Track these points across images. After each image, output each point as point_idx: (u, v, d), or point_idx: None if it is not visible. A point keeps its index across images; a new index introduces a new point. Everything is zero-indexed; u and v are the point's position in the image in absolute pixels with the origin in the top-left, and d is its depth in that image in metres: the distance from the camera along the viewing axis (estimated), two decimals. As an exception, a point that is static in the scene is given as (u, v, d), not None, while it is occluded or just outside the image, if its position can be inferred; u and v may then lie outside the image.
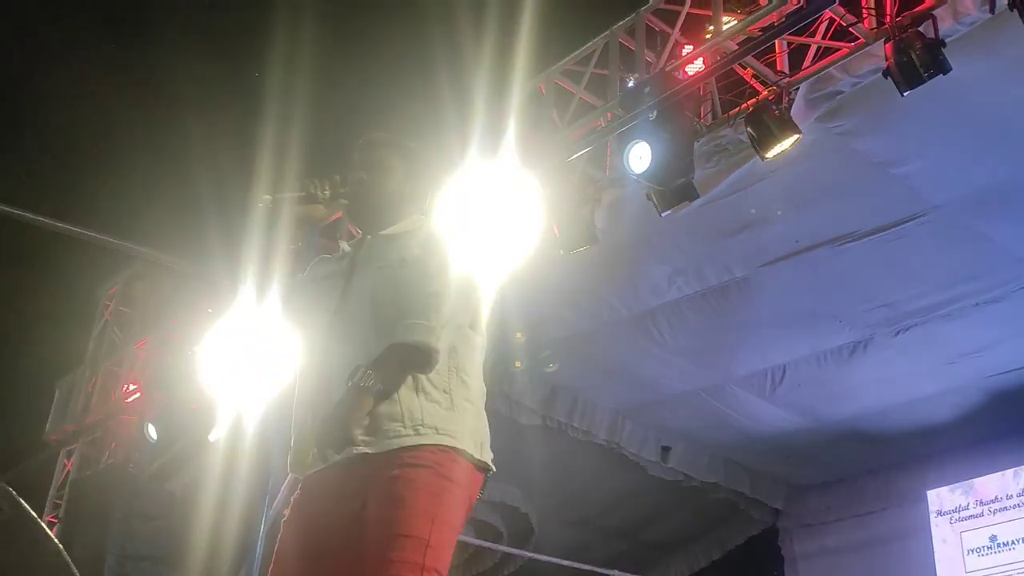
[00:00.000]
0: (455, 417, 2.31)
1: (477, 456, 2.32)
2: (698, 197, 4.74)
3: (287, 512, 2.36)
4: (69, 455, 8.44)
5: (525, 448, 7.04)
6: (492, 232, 4.87)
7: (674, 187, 4.51)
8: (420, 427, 2.26)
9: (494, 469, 2.38)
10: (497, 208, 4.58)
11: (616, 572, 7.45)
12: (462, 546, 7.64)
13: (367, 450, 2.22)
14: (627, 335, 6.56)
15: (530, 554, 7.35)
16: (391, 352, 2.24)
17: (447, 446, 2.27)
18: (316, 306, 2.47)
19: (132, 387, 8.10)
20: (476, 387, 2.39)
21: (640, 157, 4.42)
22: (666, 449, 7.77)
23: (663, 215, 4.76)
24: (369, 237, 2.52)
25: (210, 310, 6.48)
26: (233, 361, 5.72)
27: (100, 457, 8.21)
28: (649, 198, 4.64)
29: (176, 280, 7.68)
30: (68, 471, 8.31)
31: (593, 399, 7.19)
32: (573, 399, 6.99)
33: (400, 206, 2.54)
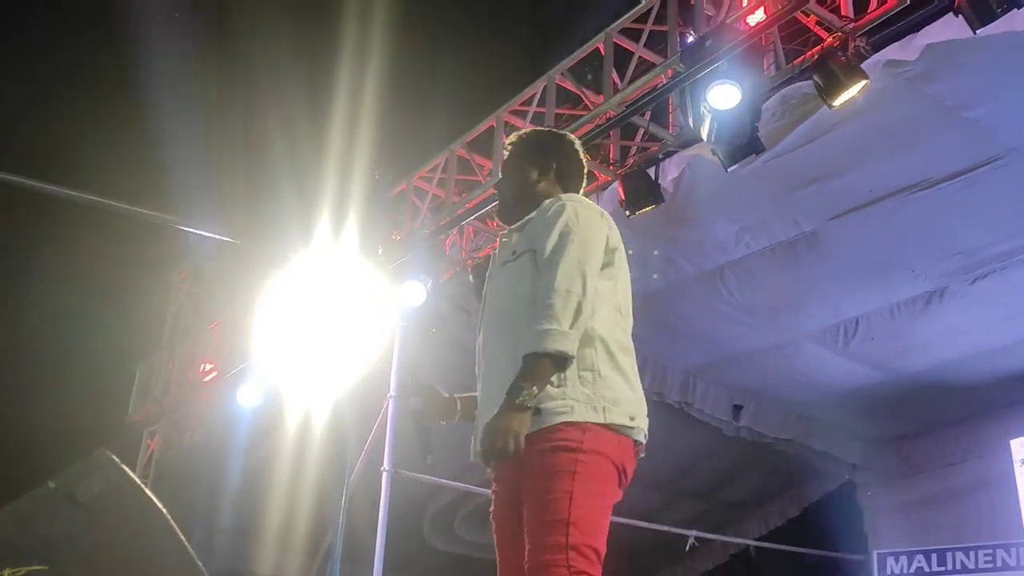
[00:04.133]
0: (564, 391, 2.36)
1: (601, 420, 2.36)
2: (764, 151, 4.67)
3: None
4: (152, 435, 8.67)
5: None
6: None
7: (740, 142, 4.44)
8: (535, 414, 2.33)
9: (633, 426, 2.41)
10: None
11: (693, 532, 7.44)
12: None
13: None
14: (696, 294, 6.51)
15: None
16: (535, 364, 2.32)
17: (564, 423, 2.33)
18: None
19: (208, 367, 8.28)
20: (589, 355, 2.42)
21: (706, 111, 4.36)
22: (738, 408, 7.72)
23: (729, 171, 4.70)
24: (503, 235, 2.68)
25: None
26: (307, 335, 5.78)
27: (182, 436, 8.42)
28: (714, 153, 4.58)
29: (246, 259, 7.81)
30: (152, 451, 8.54)
31: (663, 360, 7.16)
32: (643, 361, 6.93)
33: (524, 201, 2.65)
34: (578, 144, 2.77)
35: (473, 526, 8.27)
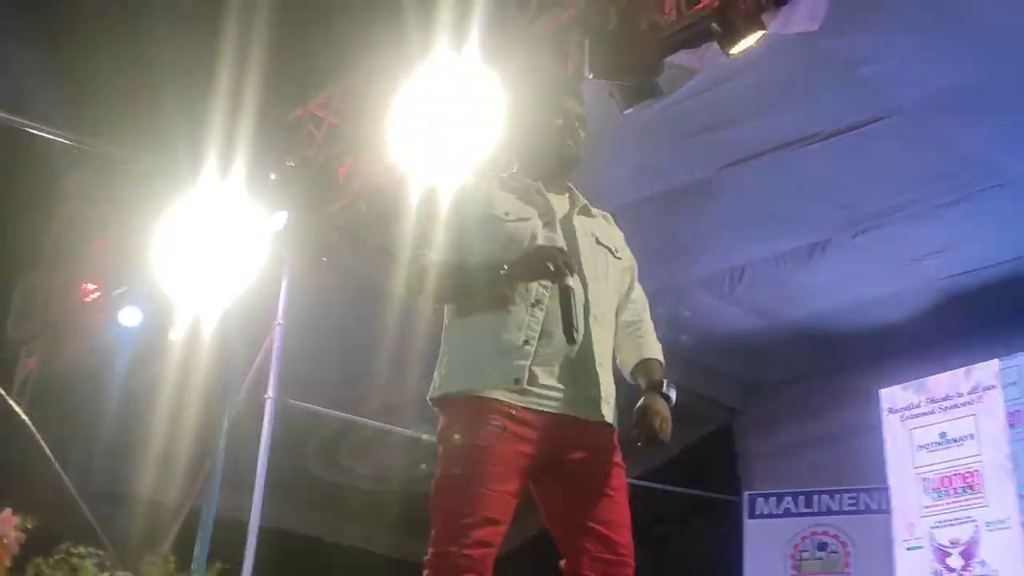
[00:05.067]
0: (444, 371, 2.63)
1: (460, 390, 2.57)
2: (663, 95, 4.70)
3: None
4: (31, 353, 8.39)
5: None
6: (454, 130, 4.85)
7: (637, 84, 4.46)
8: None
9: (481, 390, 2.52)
10: (459, 106, 4.55)
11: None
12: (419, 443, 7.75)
13: None
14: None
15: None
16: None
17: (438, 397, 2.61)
18: None
19: (92, 286, 8.03)
20: (461, 327, 2.63)
21: (599, 53, 4.36)
22: (623, 349, 7.84)
23: (624, 113, 4.71)
24: None
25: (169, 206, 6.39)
26: (192, 257, 5.68)
27: (62, 355, 8.18)
28: (611, 95, 4.59)
29: (135, 177, 7.56)
30: (30, 369, 8.28)
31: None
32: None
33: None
34: None
35: (358, 456, 8.29)
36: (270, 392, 5.76)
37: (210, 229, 5.80)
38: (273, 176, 5.80)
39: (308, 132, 5.70)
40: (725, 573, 7.38)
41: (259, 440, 5.62)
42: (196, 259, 5.90)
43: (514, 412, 2.45)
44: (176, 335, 6.18)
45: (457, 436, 2.46)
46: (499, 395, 2.45)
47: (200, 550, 5.54)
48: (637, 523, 2.60)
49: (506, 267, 2.51)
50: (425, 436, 7.65)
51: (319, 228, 5.74)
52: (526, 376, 2.46)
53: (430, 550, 2.41)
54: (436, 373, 2.61)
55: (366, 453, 8.19)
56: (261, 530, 5.50)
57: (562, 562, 2.52)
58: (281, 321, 5.87)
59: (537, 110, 2.86)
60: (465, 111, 4.91)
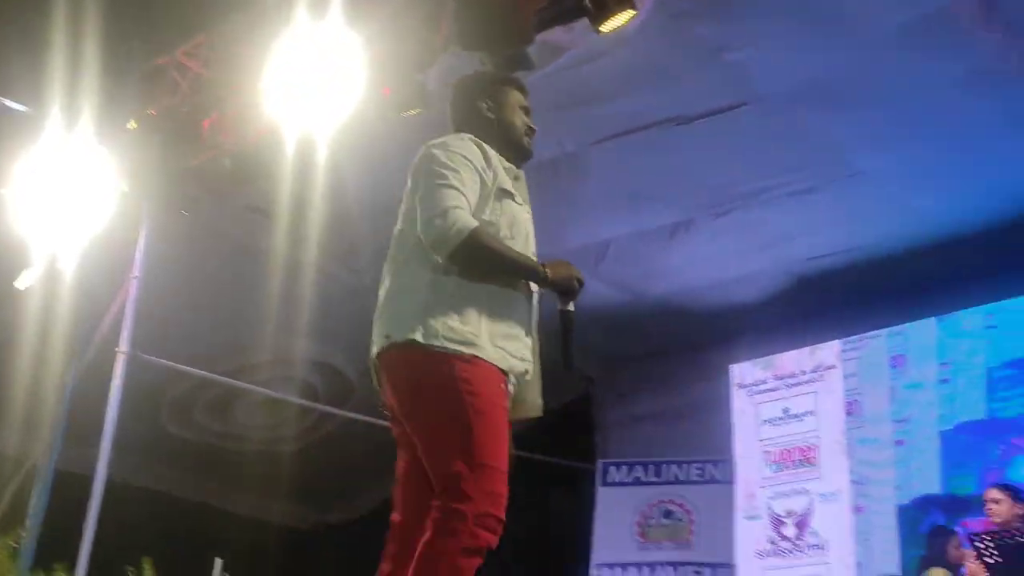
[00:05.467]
0: None
1: None
2: (533, 68, 4.73)
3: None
4: None
5: (348, 310, 7.05)
6: (316, 91, 4.79)
7: (508, 55, 4.48)
8: None
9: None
10: (322, 67, 4.51)
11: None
12: (280, 404, 7.71)
13: None
14: (457, 202, 6.57)
15: (348, 413, 7.45)
16: None
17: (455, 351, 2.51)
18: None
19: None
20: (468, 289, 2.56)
21: (470, 22, 4.37)
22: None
23: (497, 83, 4.73)
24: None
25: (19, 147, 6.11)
26: (45, 200, 5.46)
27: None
28: (483, 63, 4.60)
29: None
30: None
31: (421, 264, 7.21)
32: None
33: None
34: None
35: (213, 414, 8.16)
36: (122, 346, 5.60)
37: (60, 177, 5.57)
38: (133, 124, 5.61)
39: (173, 80, 5.52)
40: (579, 539, 7.58)
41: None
42: (46, 206, 5.66)
43: (508, 399, 2.53)
44: (24, 283, 5.94)
45: (475, 388, 2.40)
46: (509, 377, 2.52)
47: (37, 504, 5.38)
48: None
49: (547, 271, 2.59)
50: (285, 397, 7.59)
51: (180, 181, 5.59)
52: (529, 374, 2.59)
53: (466, 507, 2.28)
54: (432, 319, 2.43)
55: (222, 410, 8.07)
56: (112, 486, 5.38)
57: None
58: (138, 274, 5.71)
59: (507, 108, 2.83)
60: (332, 71, 4.86)
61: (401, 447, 2.59)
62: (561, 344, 2.63)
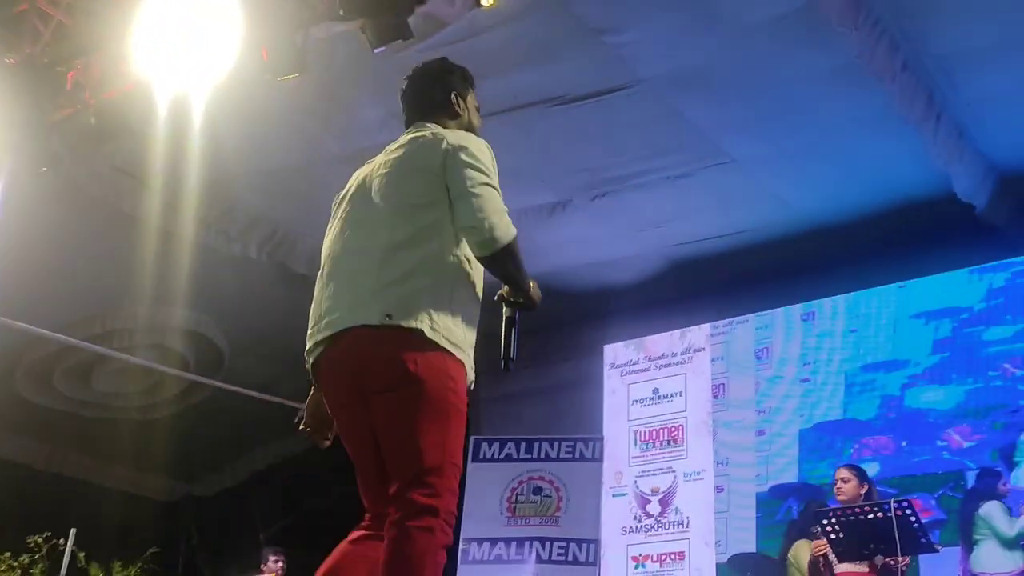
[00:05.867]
0: None
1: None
2: (412, 37, 4.69)
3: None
4: None
5: (221, 278, 6.90)
6: (190, 47, 4.64)
7: (388, 23, 4.43)
8: None
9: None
10: (197, 22, 4.36)
11: (302, 405, 7.54)
12: (146, 372, 7.48)
13: None
14: (337, 174, 6.43)
15: (218, 383, 7.30)
16: None
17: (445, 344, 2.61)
18: None
19: None
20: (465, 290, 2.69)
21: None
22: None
23: (376, 51, 4.68)
24: None
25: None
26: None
27: None
28: (362, 31, 4.54)
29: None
30: None
31: (295, 233, 7.08)
32: (273, 231, 6.86)
33: None
34: None
35: (73, 381, 7.88)
36: (-26, 307, 5.36)
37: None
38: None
39: (34, 28, 5.26)
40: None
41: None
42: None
43: None
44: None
45: (458, 389, 2.55)
46: (470, 386, 2.64)
47: None
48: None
49: (532, 282, 2.72)
50: (149, 364, 7.38)
51: (41, 136, 5.34)
52: None
53: (437, 502, 2.39)
54: (439, 316, 2.54)
55: (82, 377, 7.79)
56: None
57: None
58: (-6, 234, 5.46)
59: (471, 108, 2.95)
60: (207, 27, 4.71)
61: (348, 438, 2.61)
62: (503, 346, 2.74)
